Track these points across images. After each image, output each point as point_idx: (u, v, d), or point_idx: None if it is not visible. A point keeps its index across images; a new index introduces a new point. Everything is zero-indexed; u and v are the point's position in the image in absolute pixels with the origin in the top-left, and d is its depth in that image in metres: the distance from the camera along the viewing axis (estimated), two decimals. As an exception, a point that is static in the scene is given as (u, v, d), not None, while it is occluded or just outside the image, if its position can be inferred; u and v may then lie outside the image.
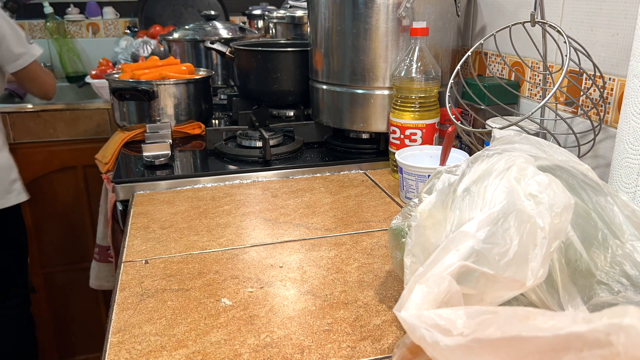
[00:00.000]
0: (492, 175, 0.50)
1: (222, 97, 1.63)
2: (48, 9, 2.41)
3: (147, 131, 1.22)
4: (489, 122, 1.00)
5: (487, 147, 0.59)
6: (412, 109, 1.02)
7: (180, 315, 0.63)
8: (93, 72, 1.96)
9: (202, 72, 1.42)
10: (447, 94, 0.95)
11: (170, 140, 1.19)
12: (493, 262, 0.45)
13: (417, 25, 1.00)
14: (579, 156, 0.89)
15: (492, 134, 0.64)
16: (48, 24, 2.45)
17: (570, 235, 0.50)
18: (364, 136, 1.22)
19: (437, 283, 0.44)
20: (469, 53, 0.97)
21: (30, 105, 1.95)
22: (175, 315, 0.63)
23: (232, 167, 1.10)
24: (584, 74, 0.91)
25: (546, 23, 0.89)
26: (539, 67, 1.03)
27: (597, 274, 0.50)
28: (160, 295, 0.68)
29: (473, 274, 0.46)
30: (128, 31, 2.55)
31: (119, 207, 1.02)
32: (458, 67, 0.96)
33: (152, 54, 2.15)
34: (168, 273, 0.73)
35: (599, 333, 0.35)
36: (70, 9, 2.53)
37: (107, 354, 0.57)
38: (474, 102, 1.01)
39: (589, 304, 0.50)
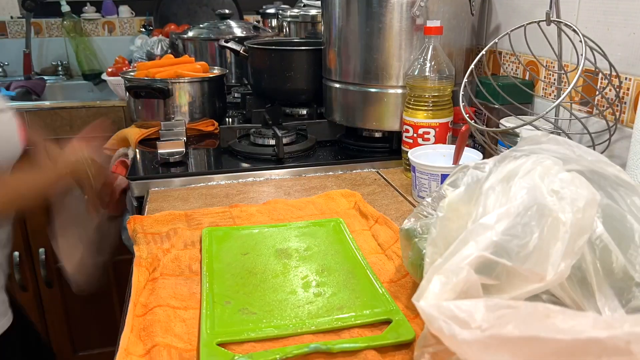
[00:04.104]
0: (518, 176, 0.50)
1: (236, 95, 1.63)
2: (65, 8, 2.44)
3: (162, 129, 1.23)
4: (502, 121, 0.99)
5: (514, 147, 0.58)
6: (426, 107, 1.01)
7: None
8: (109, 70, 1.98)
9: (216, 71, 1.43)
10: (461, 92, 0.94)
11: (185, 138, 1.20)
12: (512, 254, 0.45)
13: (431, 24, 1.00)
14: (593, 156, 0.88)
15: (520, 134, 0.63)
16: (65, 22, 2.48)
17: (605, 237, 0.49)
18: (377, 135, 1.22)
19: (455, 273, 0.44)
20: (483, 52, 0.96)
21: (47, 103, 1.98)
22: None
23: (245, 164, 1.11)
24: (600, 74, 0.91)
25: (562, 22, 0.88)
26: (553, 67, 1.02)
27: (635, 277, 0.49)
28: (174, 291, 0.68)
29: (492, 266, 0.46)
30: (143, 30, 2.57)
31: (134, 203, 1.03)
32: (472, 66, 0.96)
33: (165, 52, 2.17)
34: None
35: (618, 341, 0.35)
36: (86, 8, 2.56)
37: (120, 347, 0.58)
38: (488, 101, 1.01)
39: (628, 307, 0.48)
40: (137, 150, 1.21)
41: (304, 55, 1.32)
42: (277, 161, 1.11)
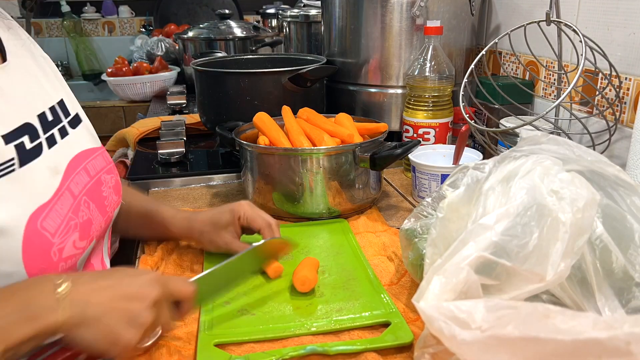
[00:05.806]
0: (518, 176, 0.50)
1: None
2: (65, 8, 2.44)
3: (162, 128, 1.23)
4: (502, 121, 0.99)
5: (514, 148, 0.58)
6: (426, 108, 1.01)
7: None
8: (109, 70, 1.98)
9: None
10: (461, 92, 0.94)
11: (185, 138, 1.20)
12: (512, 254, 0.45)
13: (431, 24, 1.00)
14: (593, 156, 0.88)
15: (520, 134, 0.63)
16: (65, 22, 2.48)
17: (605, 237, 0.49)
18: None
19: (454, 274, 0.44)
20: (483, 52, 0.96)
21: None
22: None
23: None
24: (600, 74, 0.90)
25: (562, 22, 0.88)
26: (553, 67, 1.02)
27: (635, 277, 0.49)
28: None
29: (492, 266, 0.46)
30: (143, 30, 2.57)
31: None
32: (472, 66, 0.96)
33: (167, 52, 2.17)
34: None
35: (618, 341, 0.34)
36: (86, 8, 2.56)
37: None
38: (488, 101, 1.01)
39: (628, 307, 0.48)
40: (137, 150, 1.21)
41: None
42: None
